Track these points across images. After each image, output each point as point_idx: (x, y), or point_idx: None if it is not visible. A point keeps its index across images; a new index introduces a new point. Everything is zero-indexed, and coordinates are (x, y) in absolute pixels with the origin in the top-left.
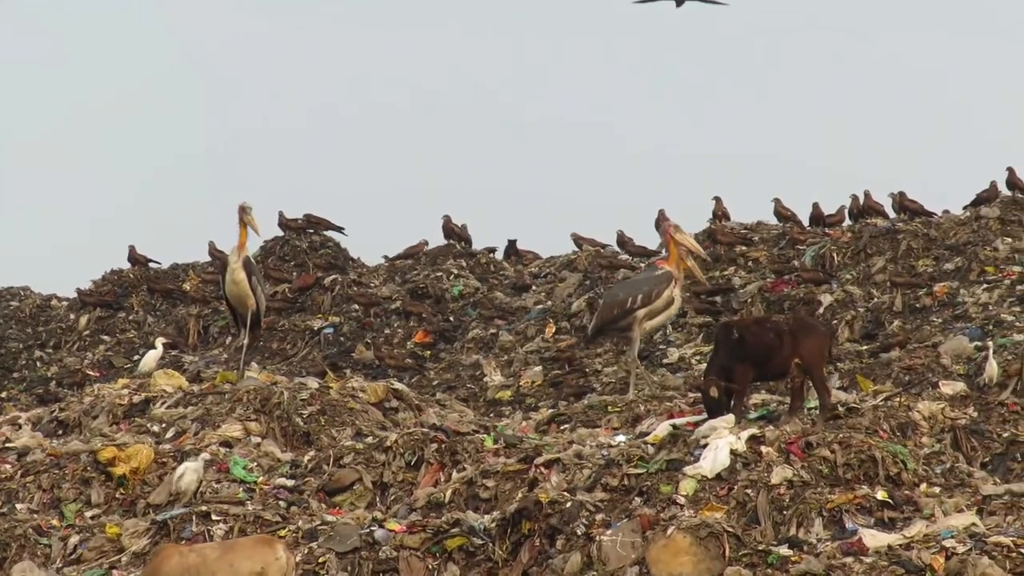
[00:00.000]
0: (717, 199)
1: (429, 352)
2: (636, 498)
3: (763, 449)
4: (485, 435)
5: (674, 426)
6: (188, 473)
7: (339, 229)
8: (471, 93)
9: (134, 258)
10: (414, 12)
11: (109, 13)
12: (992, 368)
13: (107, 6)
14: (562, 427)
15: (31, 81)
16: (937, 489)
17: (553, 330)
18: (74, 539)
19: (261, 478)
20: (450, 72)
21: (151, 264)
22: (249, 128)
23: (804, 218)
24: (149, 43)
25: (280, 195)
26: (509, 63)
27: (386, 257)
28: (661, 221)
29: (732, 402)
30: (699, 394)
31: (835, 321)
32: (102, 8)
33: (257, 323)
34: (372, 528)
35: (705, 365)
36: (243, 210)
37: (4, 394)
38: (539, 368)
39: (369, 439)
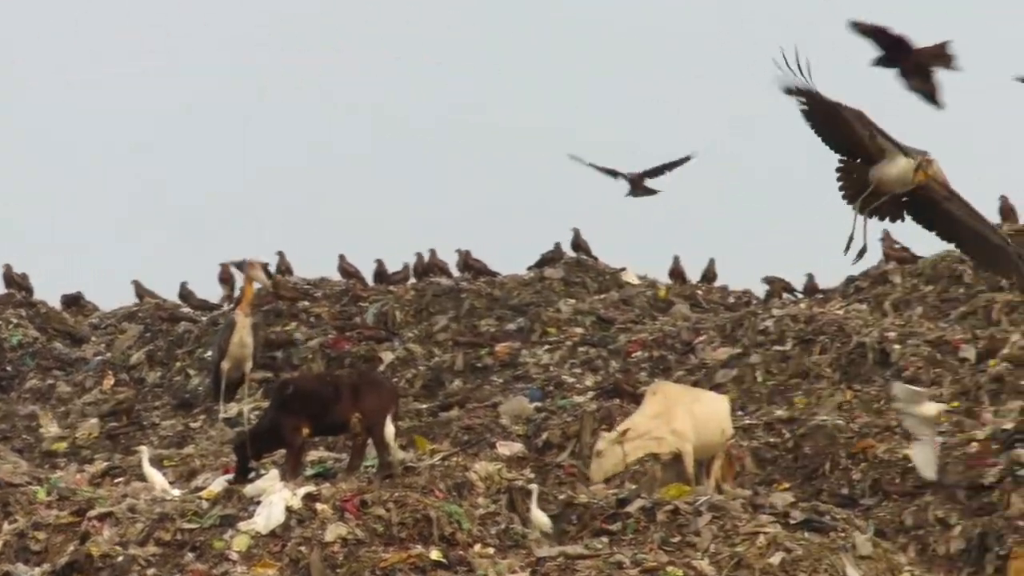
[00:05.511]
0: (280, 253)
1: None
2: (189, 553)
3: (318, 506)
4: (38, 487)
5: (229, 481)
6: None
7: None
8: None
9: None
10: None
11: None
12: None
13: None
14: (116, 480)
15: None
16: (491, 550)
17: (112, 382)
18: None
19: None
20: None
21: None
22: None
23: (368, 275)
24: None
25: None
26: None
27: None
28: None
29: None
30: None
31: (396, 379)
32: None
33: None
34: None
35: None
36: None
37: None
38: (96, 420)
39: None
